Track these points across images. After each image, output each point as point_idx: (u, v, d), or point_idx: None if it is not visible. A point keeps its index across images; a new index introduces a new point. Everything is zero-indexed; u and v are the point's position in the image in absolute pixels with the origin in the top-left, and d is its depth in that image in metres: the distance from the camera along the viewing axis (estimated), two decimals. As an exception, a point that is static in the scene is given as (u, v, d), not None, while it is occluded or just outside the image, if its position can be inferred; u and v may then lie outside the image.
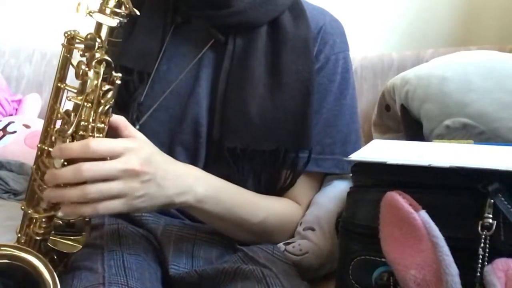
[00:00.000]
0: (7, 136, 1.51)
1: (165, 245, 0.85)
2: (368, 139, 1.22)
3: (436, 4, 1.58)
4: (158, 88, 0.87)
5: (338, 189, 0.94)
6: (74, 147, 0.66)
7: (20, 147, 1.48)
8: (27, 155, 1.43)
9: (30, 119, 1.58)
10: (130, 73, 0.87)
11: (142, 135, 0.74)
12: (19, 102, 1.69)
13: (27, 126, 1.53)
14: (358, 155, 0.65)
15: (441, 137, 0.97)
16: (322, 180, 0.96)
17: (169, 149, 0.87)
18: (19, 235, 0.73)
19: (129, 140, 0.71)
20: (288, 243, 0.86)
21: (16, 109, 1.67)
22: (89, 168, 0.64)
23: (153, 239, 0.87)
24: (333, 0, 1.26)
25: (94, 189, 0.65)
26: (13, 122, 1.54)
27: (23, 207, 0.72)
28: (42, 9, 1.89)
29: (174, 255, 0.84)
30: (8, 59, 1.77)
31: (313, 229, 0.87)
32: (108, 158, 0.66)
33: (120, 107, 0.86)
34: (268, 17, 0.87)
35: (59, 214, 0.69)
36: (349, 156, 0.65)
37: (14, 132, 1.51)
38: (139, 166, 0.67)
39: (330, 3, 1.06)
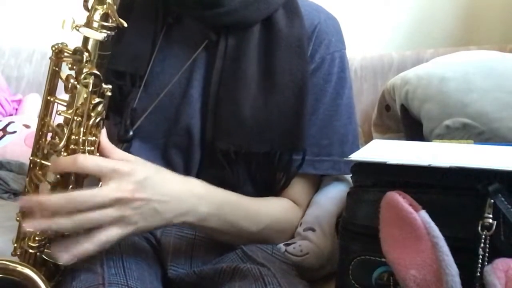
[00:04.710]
0: (7, 136, 1.51)
1: (164, 245, 0.85)
2: (368, 139, 1.22)
3: (436, 4, 1.58)
4: (152, 90, 0.87)
5: (338, 189, 0.93)
6: (63, 162, 0.65)
7: (20, 147, 1.48)
8: (27, 155, 1.41)
9: (30, 119, 1.58)
10: (122, 76, 0.86)
11: (133, 157, 0.73)
12: (19, 102, 1.69)
13: (27, 126, 1.53)
14: (358, 155, 0.65)
15: (441, 137, 0.97)
16: (320, 180, 0.96)
17: (164, 152, 0.86)
18: (15, 245, 0.72)
19: (122, 163, 0.68)
20: (289, 244, 0.85)
21: (16, 109, 1.67)
22: (74, 200, 0.64)
23: (153, 239, 0.87)
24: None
25: (80, 220, 0.64)
26: (13, 122, 1.54)
27: (18, 218, 0.72)
28: (42, 9, 1.89)
29: (174, 256, 0.84)
30: (8, 59, 1.77)
31: (313, 230, 0.86)
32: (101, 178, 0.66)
33: (114, 111, 0.86)
34: (261, 16, 0.85)
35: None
36: (349, 156, 0.65)
37: (14, 132, 1.51)
38: (131, 193, 0.66)
39: (330, 3, 1.06)
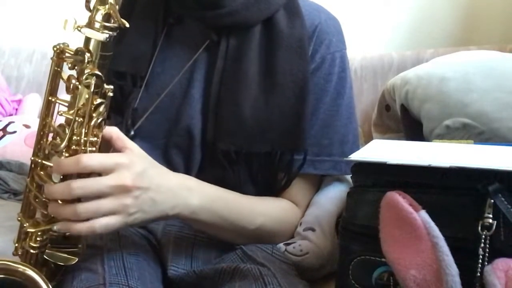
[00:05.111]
0: (7, 136, 1.51)
1: (165, 245, 0.85)
2: (368, 139, 1.22)
3: (436, 4, 1.58)
4: (153, 91, 0.87)
5: (338, 189, 0.94)
6: (66, 163, 0.66)
7: (20, 147, 1.48)
8: (27, 155, 1.42)
9: (30, 119, 1.58)
10: (123, 77, 0.86)
11: (136, 146, 0.73)
12: (19, 102, 1.69)
13: (27, 126, 1.53)
14: (358, 155, 0.65)
15: (441, 137, 0.97)
16: (320, 180, 0.96)
17: (165, 152, 0.86)
18: (16, 245, 0.73)
19: (121, 155, 0.69)
20: (289, 244, 0.86)
21: (16, 109, 1.67)
22: (78, 186, 0.64)
23: (153, 239, 0.87)
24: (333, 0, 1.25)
25: (84, 208, 0.65)
26: (13, 122, 1.54)
27: (19, 218, 0.72)
28: (42, 9, 1.89)
29: (174, 256, 0.84)
30: (8, 59, 1.77)
31: (313, 230, 0.87)
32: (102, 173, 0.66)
33: (115, 111, 0.86)
34: (262, 16, 0.85)
35: (54, 227, 0.68)
36: (349, 156, 0.65)
37: (14, 132, 1.51)
38: (131, 181, 0.67)
39: (330, 3, 1.06)
